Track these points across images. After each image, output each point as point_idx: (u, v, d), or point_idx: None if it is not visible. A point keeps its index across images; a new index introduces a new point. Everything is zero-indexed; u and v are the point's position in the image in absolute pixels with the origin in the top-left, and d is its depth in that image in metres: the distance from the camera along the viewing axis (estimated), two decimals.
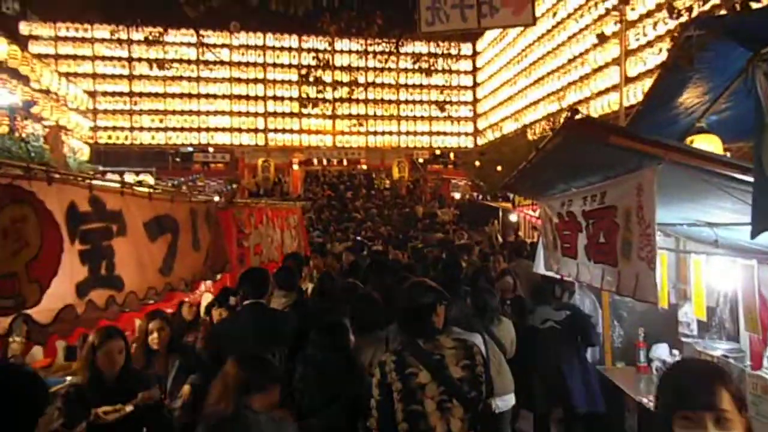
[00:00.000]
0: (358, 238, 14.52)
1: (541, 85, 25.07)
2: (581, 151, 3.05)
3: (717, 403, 1.39)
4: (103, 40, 30.65)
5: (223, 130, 32.13)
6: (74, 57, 30.42)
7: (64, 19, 30.23)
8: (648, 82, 12.66)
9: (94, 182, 2.62)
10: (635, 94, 16.54)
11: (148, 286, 2.91)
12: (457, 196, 30.58)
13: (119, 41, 30.37)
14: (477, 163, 27.42)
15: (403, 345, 2.82)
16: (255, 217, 4.83)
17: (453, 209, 24.86)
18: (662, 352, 4.99)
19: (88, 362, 2.93)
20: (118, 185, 2.82)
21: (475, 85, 34.67)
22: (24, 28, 29.45)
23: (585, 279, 3.95)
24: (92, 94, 29.48)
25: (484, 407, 2.93)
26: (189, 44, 31.26)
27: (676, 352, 4.89)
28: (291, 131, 33.03)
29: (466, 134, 35.15)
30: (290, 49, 31.68)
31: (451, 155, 35.89)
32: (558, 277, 6.20)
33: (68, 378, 3.42)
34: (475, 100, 34.73)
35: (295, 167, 32.57)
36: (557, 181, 3.96)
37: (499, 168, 22.99)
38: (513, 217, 19.98)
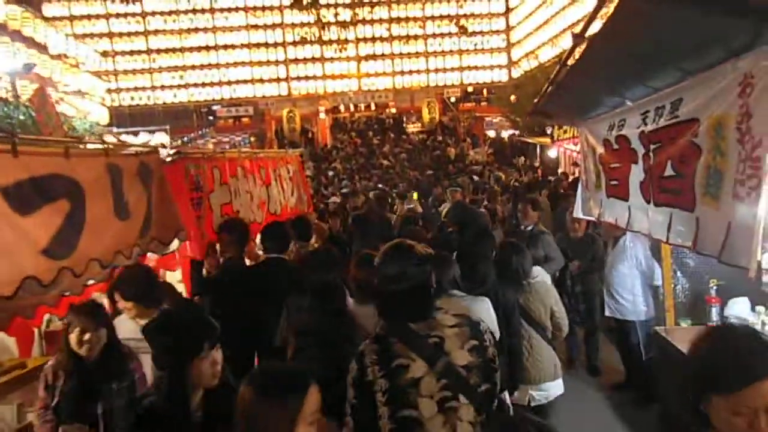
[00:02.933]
0: (380, 186, 13.58)
1: (579, 3, 22.76)
2: (647, 34, 1.96)
3: None
4: None
5: (245, 81, 31.09)
6: (88, 17, 29.63)
7: None
8: None
9: None
10: None
11: (22, 277, 2.09)
12: (492, 134, 28.95)
13: None
14: (512, 98, 25.65)
15: (387, 328, 2.10)
16: (220, 170, 3.93)
17: (487, 149, 23.47)
18: (741, 308, 3.95)
19: (63, 345, 2.83)
20: None
21: (508, 10, 32.09)
22: None
23: (640, 227, 2.91)
24: (111, 55, 29.00)
25: (499, 404, 2.19)
26: None
27: (760, 308, 3.85)
28: (315, 78, 31.64)
29: (500, 67, 32.87)
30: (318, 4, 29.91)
31: (485, 92, 33.87)
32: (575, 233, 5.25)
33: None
34: (508, 28, 32.25)
35: (322, 116, 31.42)
36: (605, 93, 2.87)
37: (536, 101, 21.31)
38: (552, 153, 18.57)
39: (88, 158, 2.64)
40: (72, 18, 29.16)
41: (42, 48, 16.71)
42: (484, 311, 3.00)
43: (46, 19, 20.48)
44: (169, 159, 3.31)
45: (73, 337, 2.80)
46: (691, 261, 4.14)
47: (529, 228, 5.40)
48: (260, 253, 4.51)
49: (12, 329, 3.51)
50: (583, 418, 4.30)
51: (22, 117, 11.08)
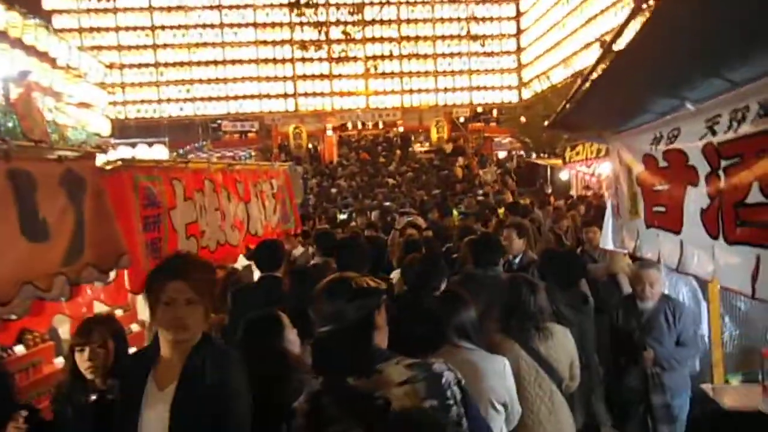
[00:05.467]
0: (387, 203, 12.97)
1: (593, 24, 22.33)
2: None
3: None
4: (125, 9, 29.69)
5: (252, 97, 30.82)
6: (98, 29, 29.60)
7: None
8: None
9: None
10: None
11: None
12: (501, 155, 28.39)
13: (141, 9, 29.43)
14: (522, 119, 25.17)
15: (323, 383, 1.69)
16: (184, 183, 3.32)
17: (495, 168, 22.89)
18: None
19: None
20: None
21: (519, 32, 31.78)
22: (47, 1, 28.77)
23: (700, 270, 2.25)
24: (118, 67, 28.86)
25: None
26: (211, 7, 30.04)
27: None
28: (322, 94, 31.35)
29: (510, 87, 32.46)
30: (317, 5, 29.64)
31: (494, 112, 33.42)
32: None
33: None
34: (519, 49, 31.90)
35: (329, 133, 31.00)
36: (654, 93, 2.23)
37: (546, 123, 20.77)
38: (564, 175, 17.94)
39: None
40: (81, 30, 29.13)
41: (44, 57, 16.44)
42: (498, 373, 2.34)
43: (56, 30, 20.43)
44: (109, 167, 2.69)
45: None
46: (742, 304, 3.46)
47: (516, 259, 4.43)
48: None
49: None
50: None
51: (10, 124, 10.58)
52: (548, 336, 3.00)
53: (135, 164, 2.88)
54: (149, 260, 2.97)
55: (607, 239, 3.57)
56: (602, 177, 13.97)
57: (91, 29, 29.42)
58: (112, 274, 2.88)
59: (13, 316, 2.95)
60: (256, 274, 4.06)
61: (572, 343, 3.11)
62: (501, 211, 8.99)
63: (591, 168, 14.51)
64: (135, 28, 29.83)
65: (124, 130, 24.73)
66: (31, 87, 11.11)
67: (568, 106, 2.97)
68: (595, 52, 22.01)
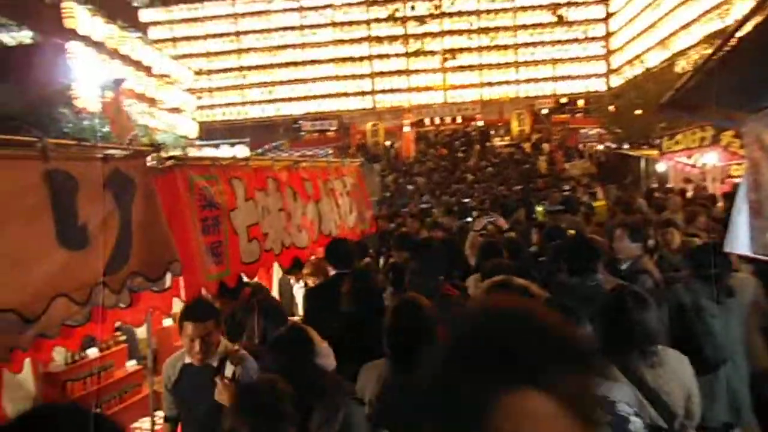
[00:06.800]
0: (466, 200, 12.41)
1: (693, 1, 20.39)
2: None
3: None
4: (213, 18, 31.12)
5: (330, 96, 31.28)
6: (188, 38, 31.26)
7: (177, 2, 31.02)
8: None
9: None
10: None
11: None
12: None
13: (227, 16, 30.74)
14: (611, 108, 23.52)
15: None
16: (245, 182, 3.07)
17: (584, 161, 21.51)
18: None
19: None
20: None
21: (608, 16, 29.79)
22: (143, 15, 30.72)
23: None
24: (205, 73, 30.31)
25: None
26: (292, 9, 30.76)
27: None
28: (399, 90, 31.19)
29: (597, 75, 30.57)
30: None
31: (579, 102, 31.62)
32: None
33: None
34: (608, 34, 29.91)
35: (406, 129, 30.69)
36: None
37: (638, 111, 19.20)
38: (660, 167, 16.46)
39: (8, 162, 1.84)
40: (174, 39, 30.88)
41: (139, 65, 17.48)
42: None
43: (152, 41, 21.81)
44: (160, 166, 2.47)
45: None
46: None
47: (624, 266, 3.71)
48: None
49: None
50: None
51: (105, 129, 11.21)
52: (658, 362, 2.43)
53: (189, 163, 2.65)
54: (209, 265, 2.75)
55: (736, 242, 2.91)
56: (706, 168, 12.64)
57: (183, 38, 31.14)
58: (168, 281, 2.68)
59: (74, 323, 2.88)
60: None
61: (689, 372, 2.52)
62: (601, 203, 8.00)
63: (692, 159, 13.18)
64: (221, 35, 31.26)
65: (210, 132, 25.90)
66: (122, 93, 11.76)
67: (692, 80, 2.39)
68: (697, 32, 20.06)
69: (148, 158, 2.45)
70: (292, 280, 4.58)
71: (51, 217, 1.95)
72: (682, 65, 19.09)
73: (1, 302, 1.72)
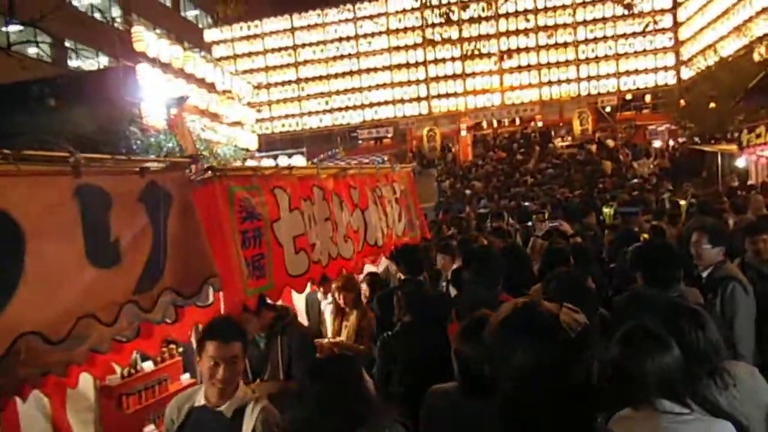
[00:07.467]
0: (526, 204, 11.96)
1: None
2: None
3: None
4: (271, 33, 32.04)
5: (386, 103, 31.37)
6: (249, 54, 32.30)
7: (238, 20, 32.16)
8: None
9: None
10: None
11: None
12: (656, 144, 25.32)
13: (285, 30, 31.54)
14: (681, 102, 22.14)
15: None
16: (289, 192, 2.98)
17: (653, 159, 20.33)
18: None
19: None
20: None
21: (675, 5, 28.16)
22: (207, 35, 32.09)
23: None
24: (265, 87, 31.19)
25: None
26: (347, 20, 31.15)
27: None
28: (455, 95, 30.81)
29: (665, 69, 28.91)
30: (449, 3, 28.97)
31: (647, 97, 30.02)
32: None
33: None
34: (676, 24, 28.26)
35: (463, 133, 30.29)
36: None
37: (712, 105, 17.92)
38: (740, 162, 15.27)
39: (35, 179, 1.80)
40: (235, 56, 32.02)
41: (202, 83, 18.22)
42: None
43: (216, 59, 22.76)
44: (198, 178, 2.40)
45: None
46: None
47: (704, 273, 3.29)
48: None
49: (46, 387, 2.93)
50: None
51: (170, 144, 11.65)
52: (729, 382, 2.09)
53: (229, 174, 2.58)
54: (249, 279, 2.66)
55: None
56: None
57: (243, 54, 32.24)
58: (211, 296, 2.61)
59: (123, 339, 2.88)
60: None
61: (763, 386, 2.16)
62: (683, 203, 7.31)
63: None
64: (279, 49, 32.09)
65: (270, 143, 26.58)
66: (184, 109, 12.24)
67: None
68: None
69: (186, 170, 2.39)
70: (320, 295, 4.41)
71: (80, 234, 1.90)
72: (760, 52, 17.66)
73: (29, 324, 1.68)
